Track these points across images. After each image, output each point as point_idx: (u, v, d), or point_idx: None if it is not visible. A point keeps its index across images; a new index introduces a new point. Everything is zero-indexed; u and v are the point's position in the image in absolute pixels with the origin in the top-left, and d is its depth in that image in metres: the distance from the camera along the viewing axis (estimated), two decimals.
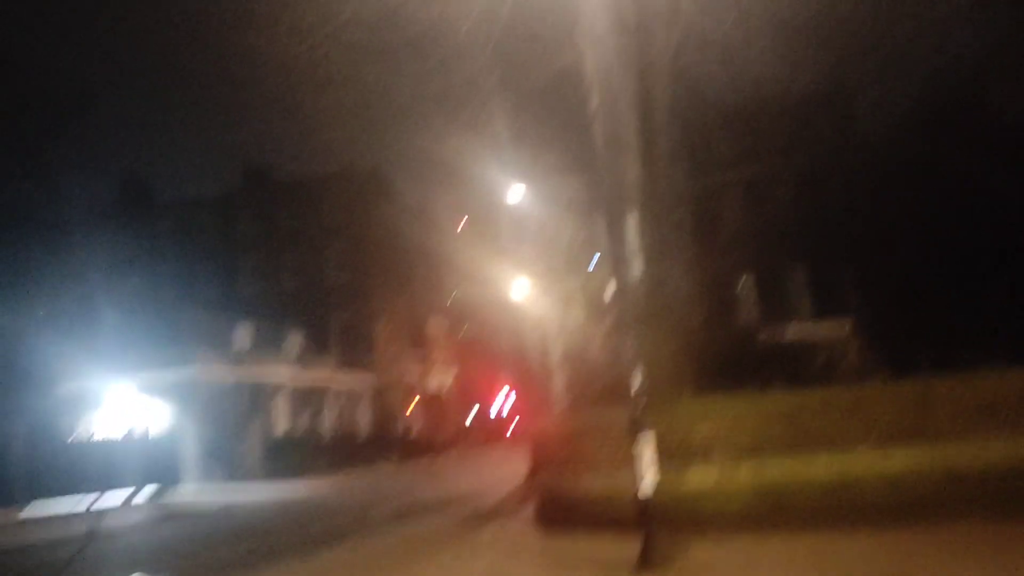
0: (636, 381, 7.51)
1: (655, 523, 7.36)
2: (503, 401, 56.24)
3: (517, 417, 58.70)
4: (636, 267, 7.48)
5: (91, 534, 17.28)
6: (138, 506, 24.60)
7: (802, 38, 14.02)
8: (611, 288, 7.60)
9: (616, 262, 7.54)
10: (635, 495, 8.61)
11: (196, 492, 28.21)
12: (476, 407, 60.16)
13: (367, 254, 47.95)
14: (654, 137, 11.15)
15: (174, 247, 50.56)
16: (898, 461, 8.48)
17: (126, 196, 52.23)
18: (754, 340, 22.98)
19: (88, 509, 19.16)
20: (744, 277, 33.11)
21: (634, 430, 7.49)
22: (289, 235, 49.34)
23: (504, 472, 27.33)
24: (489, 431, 57.19)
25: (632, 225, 7.59)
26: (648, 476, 7.44)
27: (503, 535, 10.31)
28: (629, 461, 9.37)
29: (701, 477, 8.98)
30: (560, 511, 10.11)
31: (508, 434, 54.51)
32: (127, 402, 29.89)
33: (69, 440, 29.07)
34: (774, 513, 8.57)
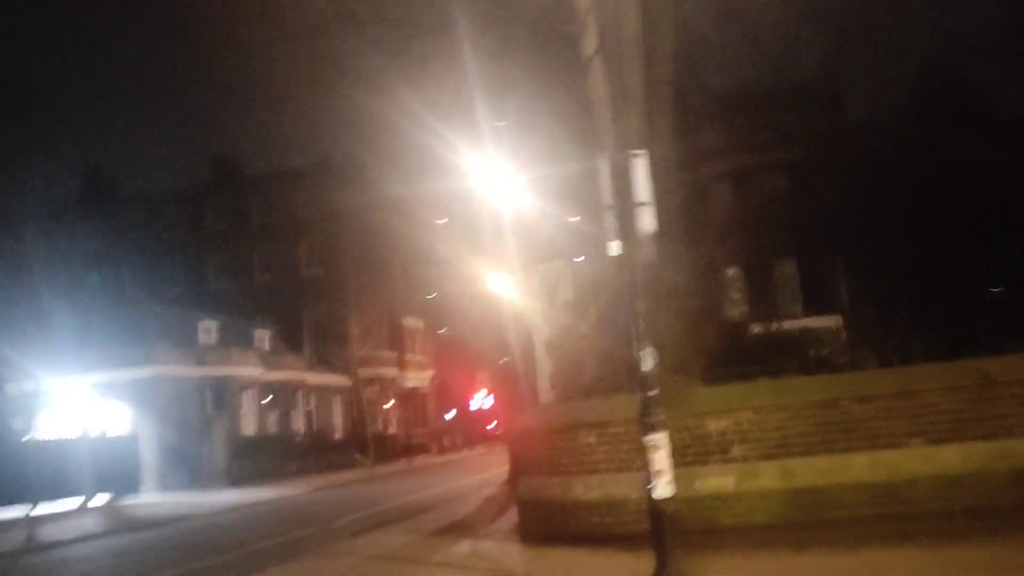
0: (646, 363, 6.00)
1: (671, 537, 5.85)
2: (483, 400, 54.61)
3: (497, 416, 57.19)
4: (644, 223, 5.92)
5: (24, 548, 15.63)
6: (88, 513, 22.81)
7: (794, 22, 12.87)
8: (613, 250, 6.05)
9: (621, 218, 6.01)
10: (644, 503, 7.12)
11: (154, 499, 26.41)
12: (455, 406, 58.51)
13: (341, 248, 46.13)
14: (659, 90, 9.69)
15: (139, 241, 48.55)
16: (955, 458, 7.03)
17: (91, 188, 50.15)
18: (744, 332, 21.77)
19: (27, 517, 17.34)
20: (734, 268, 32.09)
21: (645, 424, 5.97)
22: (260, 229, 47.47)
23: (484, 475, 25.80)
24: (468, 431, 55.60)
25: (639, 173, 6.04)
26: (662, 480, 5.92)
27: (482, 552, 8.74)
28: (630, 462, 7.87)
29: (718, 480, 7.49)
30: (547, 522, 8.59)
31: (488, 434, 52.95)
32: (82, 402, 28.01)
33: (20, 441, 27.15)
34: (807, 524, 7.09)
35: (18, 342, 28.91)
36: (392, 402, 46.62)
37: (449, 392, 58.21)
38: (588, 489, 8.08)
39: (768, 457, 7.42)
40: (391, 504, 18.16)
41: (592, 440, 8.10)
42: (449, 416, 58.01)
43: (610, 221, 6.13)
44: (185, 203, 48.73)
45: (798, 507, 7.20)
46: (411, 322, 51.40)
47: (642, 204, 6.08)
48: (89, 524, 19.72)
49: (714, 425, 7.60)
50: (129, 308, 33.18)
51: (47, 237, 46.94)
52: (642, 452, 7.82)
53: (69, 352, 28.74)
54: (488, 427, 54.32)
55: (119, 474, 27.22)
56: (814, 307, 30.51)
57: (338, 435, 40.21)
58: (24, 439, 26.85)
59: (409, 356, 50.39)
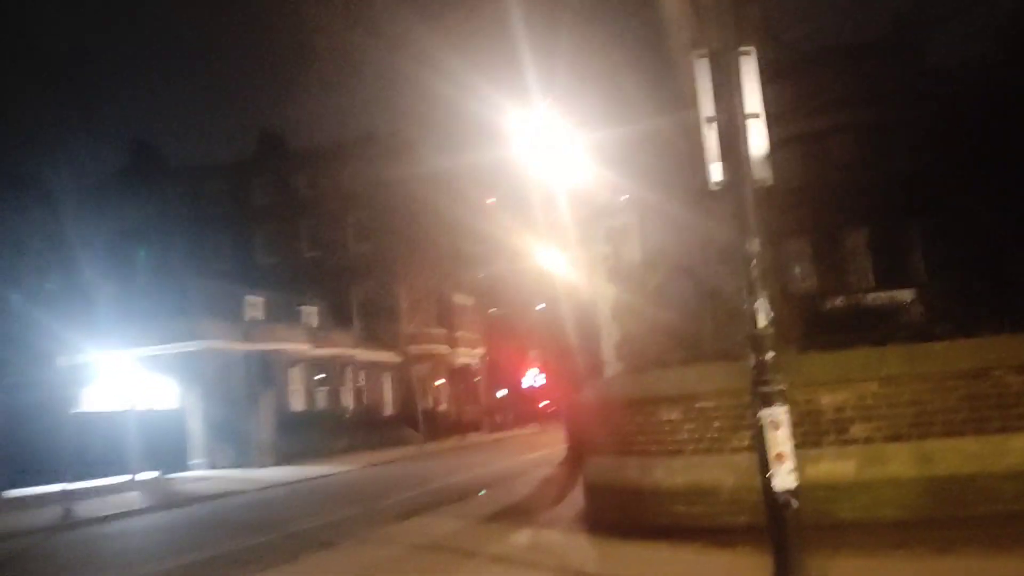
0: (761, 318, 4.70)
1: (795, 537, 4.59)
2: (534, 377, 53.49)
3: (549, 394, 56.09)
4: (755, 138, 4.60)
5: (59, 524, 15.02)
6: (134, 488, 22.34)
7: None
8: (715, 175, 4.75)
9: (725, 135, 4.70)
10: (742, 491, 5.92)
11: (201, 474, 25.93)
12: (506, 384, 57.57)
13: (389, 223, 45.21)
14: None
15: (186, 215, 48.29)
16: None
17: (137, 162, 50.05)
18: (813, 306, 20.21)
19: (68, 492, 16.76)
20: (801, 238, 30.35)
21: (760, 395, 4.69)
22: (307, 203, 46.79)
23: (537, 454, 24.68)
24: (519, 409, 54.62)
25: (750, 76, 4.71)
26: (784, 467, 4.65)
27: (544, 544, 7.57)
28: (723, 442, 6.60)
29: (835, 466, 6.17)
30: (620, 510, 7.38)
31: (539, 412, 51.90)
32: (128, 376, 27.60)
33: (68, 414, 26.89)
34: (950, 520, 5.75)
35: (65, 316, 28.66)
36: (442, 379, 45.78)
37: (500, 370, 57.24)
38: (670, 473, 6.83)
39: (898, 438, 6.07)
40: (441, 483, 17.16)
41: (675, 416, 6.84)
42: (500, 394, 57.10)
43: (710, 138, 4.82)
44: (232, 177, 48.30)
45: (938, 499, 5.85)
46: (461, 299, 50.42)
47: (753, 115, 4.75)
48: (132, 500, 19.16)
49: (829, 399, 6.27)
50: (175, 282, 32.74)
51: (93, 210, 47.09)
52: (737, 431, 6.55)
53: (115, 326, 28.35)
54: (539, 405, 53.24)
55: (167, 449, 26.81)
56: (887, 279, 28.68)
57: (388, 412, 39.52)
58: (72, 412, 26.60)
59: (459, 333, 49.44)
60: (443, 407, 44.20)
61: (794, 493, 4.60)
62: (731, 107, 4.70)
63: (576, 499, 10.31)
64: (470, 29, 15.51)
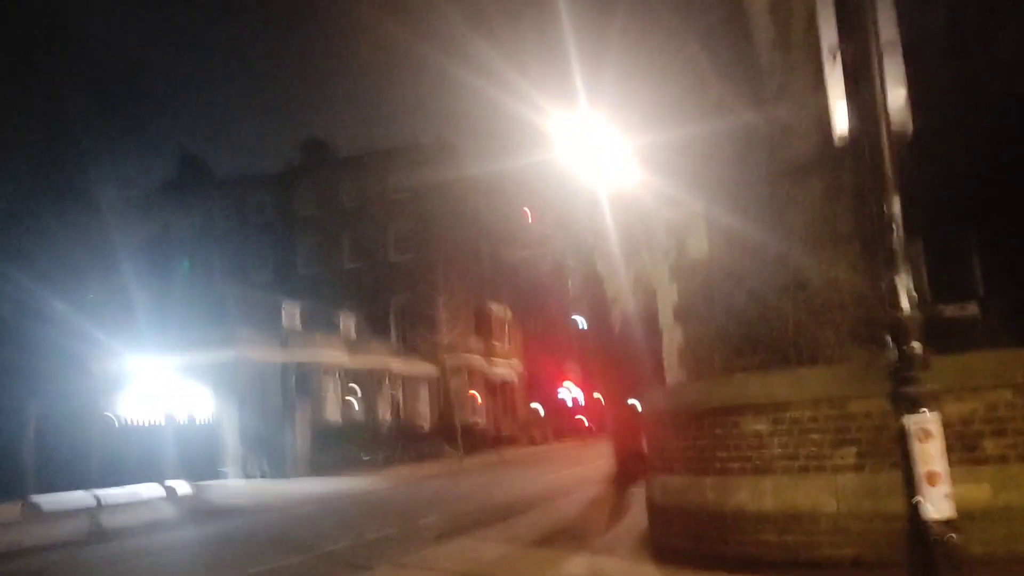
0: (903, 300, 3.72)
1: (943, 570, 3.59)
2: (572, 390, 52.33)
3: (589, 407, 54.87)
4: (892, 74, 3.61)
5: (85, 538, 14.37)
6: (166, 499, 21.77)
7: None
8: (840, 123, 3.78)
9: (860, 68, 3.73)
10: (848, 519, 4.93)
11: (235, 485, 25.31)
12: (543, 397, 56.50)
13: (430, 233, 44.66)
14: None
15: (230, 226, 48.28)
16: None
17: (184, 173, 50.28)
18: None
19: (97, 504, 16.14)
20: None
21: (902, 397, 3.70)
22: (350, 213, 46.43)
23: (581, 469, 23.62)
24: (557, 422, 53.47)
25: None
26: (937, 490, 3.65)
27: (606, 573, 6.58)
28: (823, 459, 5.59)
29: (962, 490, 5.11)
30: (693, 536, 6.39)
31: (578, 425, 50.70)
32: (163, 383, 27.19)
33: (103, 421, 26.53)
34: None
35: (105, 324, 28.40)
36: (482, 390, 44.91)
37: (537, 382, 56.20)
38: (758, 495, 5.82)
39: None
40: (482, 501, 16.22)
41: (763, 428, 5.84)
42: (537, 407, 56.04)
43: (834, 76, 3.86)
44: (275, 187, 48.16)
45: None
46: (498, 309, 49.57)
47: (890, 43, 3.78)
48: (164, 511, 18.54)
49: (953, 409, 5.22)
50: (213, 291, 32.38)
51: (138, 221, 47.30)
52: (840, 446, 5.53)
53: (153, 333, 28.02)
54: (577, 418, 52.05)
55: (201, 459, 26.29)
56: (942, 291, 27.14)
57: (425, 424, 38.70)
58: (107, 417, 26.22)
59: (497, 345, 48.57)
60: (480, 420, 43.27)
61: (950, 525, 3.58)
62: (864, 32, 3.74)
63: (634, 521, 9.32)
64: (517, 34, 14.87)
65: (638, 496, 12.58)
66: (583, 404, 53.65)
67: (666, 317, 9.28)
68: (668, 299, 9.24)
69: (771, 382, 5.96)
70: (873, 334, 7.27)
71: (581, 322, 51.17)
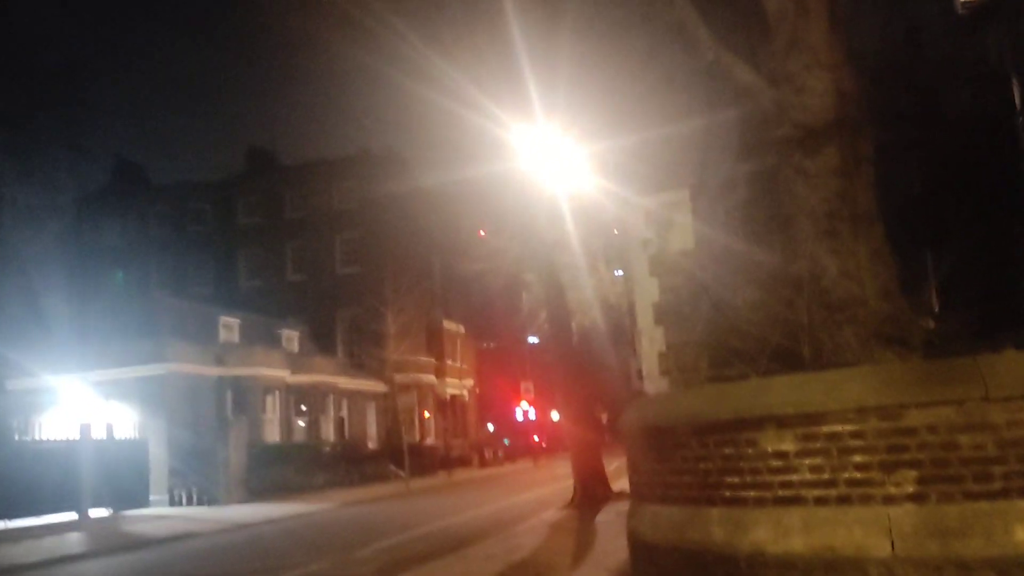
0: None
1: None
2: (531, 408, 50.90)
3: (543, 427, 53.54)
4: None
5: None
6: (80, 527, 19.74)
7: None
8: None
9: None
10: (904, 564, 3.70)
11: (160, 511, 23.28)
12: (497, 417, 55.02)
13: (380, 245, 43.09)
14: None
15: (168, 237, 46.00)
16: None
17: (120, 182, 47.88)
18: None
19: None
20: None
21: None
22: (294, 224, 44.60)
23: (537, 493, 22.23)
24: (511, 443, 51.99)
25: None
26: None
27: None
28: (870, 486, 4.31)
29: None
30: None
31: (532, 447, 49.27)
32: (86, 402, 25.10)
33: (16, 443, 24.31)
34: None
35: (18, 339, 26.26)
36: (430, 411, 43.24)
37: (490, 401, 54.77)
38: (782, 533, 4.52)
39: None
40: (430, 527, 14.71)
41: (788, 447, 4.55)
42: (490, 426, 54.50)
43: None
44: (216, 196, 46.12)
45: None
46: (451, 326, 48.04)
47: None
48: (72, 542, 16.57)
49: None
50: (142, 303, 30.26)
51: (69, 230, 44.73)
52: (894, 469, 4.26)
53: (74, 349, 25.97)
54: (532, 438, 50.63)
55: (125, 483, 24.19)
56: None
57: (371, 445, 36.90)
58: (20, 439, 24.04)
59: (449, 362, 47.01)
60: (430, 440, 41.58)
61: None
62: None
63: (604, 554, 7.98)
64: (468, 43, 14.20)
65: (605, 524, 11.24)
66: (537, 423, 52.29)
67: (644, 318, 8.00)
68: (647, 298, 7.97)
69: (800, 387, 4.67)
70: (903, 333, 6.11)
71: (535, 340, 49.90)
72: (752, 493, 4.70)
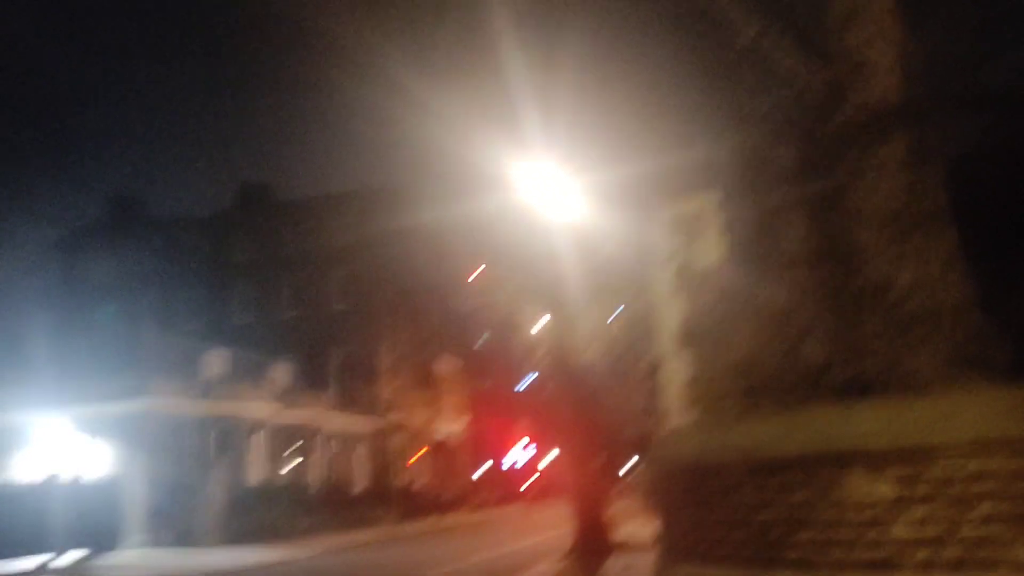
0: None
1: None
2: (520, 454, 49.44)
3: (535, 470, 52.08)
4: None
5: None
6: (48, 573, 18.44)
7: None
8: None
9: None
10: None
11: (135, 557, 21.91)
12: (489, 460, 53.49)
13: (375, 282, 42.06)
14: None
15: (160, 271, 44.91)
16: None
17: (115, 214, 47.03)
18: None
19: None
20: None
21: None
22: (289, 260, 43.56)
23: (532, 540, 20.95)
24: (503, 487, 50.42)
25: None
26: None
27: None
28: (1002, 547, 3.30)
29: None
30: None
31: (526, 492, 47.75)
32: (60, 441, 23.86)
33: None
34: None
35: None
36: (422, 451, 41.84)
37: (483, 444, 53.24)
38: None
39: None
40: None
41: (883, 492, 3.53)
42: (483, 470, 52.94)
43: None
44: (211, 231, 45.18)
45: None
46: (445, 365, 46.85)
47: None
48: None
49: None
50: (126, 337, 29.06)
51: (60, 266, 43.78)
52: None
53: (52, 385, 24.78)
54: (525, 483, 49.12)
55: (103, 525, 22.90)
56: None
57: (360, 487, 35.46)
58: None
59: (442, 402, 45.72)
60: (421, 484, 40.13)
61: None
62: None
63: None
64: (465, 78, 13.70)
65: None
66: (533, 466, 50.84)
67: (666, 342, 7.01)
68: (670, 320, 6.99)
69: (898, 415, 3.68)
70: (986, 355, 5.13)
71: (530, 381, 48.71)
72: (834, 554, 3.68)
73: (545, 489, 51.55)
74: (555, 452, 58.32)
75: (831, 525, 3.69)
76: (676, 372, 6.78)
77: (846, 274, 5.28)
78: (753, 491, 4.09)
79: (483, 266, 44.78)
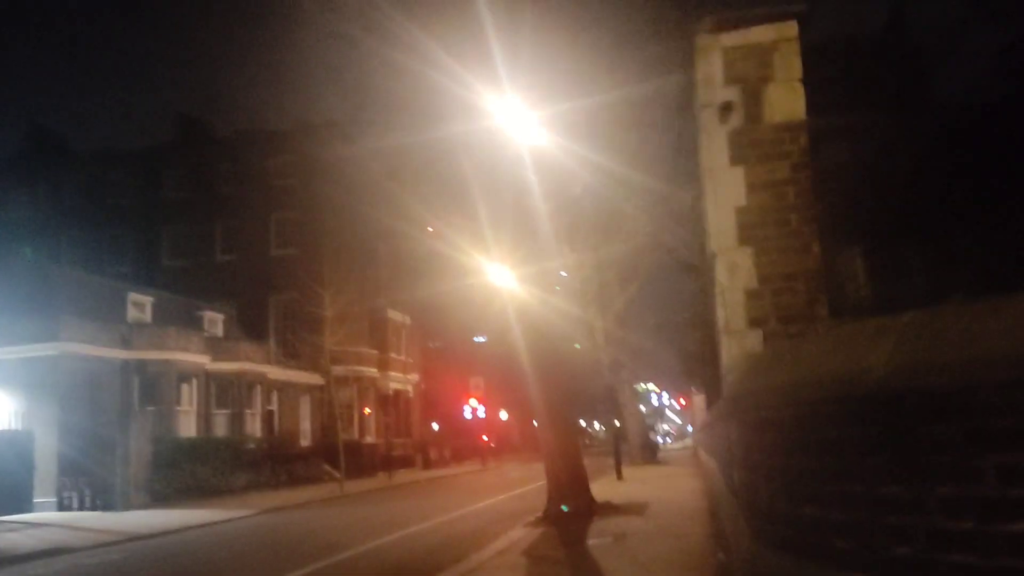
0: None
1: None
2: (481, 407, 47.57)
3: (499, 426, 50.42)
4: None
5: None
6: None
7: None
8: None
9: None
10: None
11: (43, 518, 19.48)
12: (443, 415, 51.63)
13: (321, 225, 39.38)
14: None
15: (84, 210, 41.51)
16: None
17: (33, 146, 43.28)
18: None
19: None
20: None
21: None
22: (226, 198, 40.52)
23: (493, 500, 19.09)
24: (458, 443, 48.71)
25: None
26: None
27: None
28: None
29: None
30: None
31: (482, 447, 46.08)
32: None
33: None
34: None
35: None
36: (371, 406, 39.68)
37: (437, 398, 51.30)
38: None
39: None
40: (361, 549, 11.44)
41: None
42: (436, 427, 51.09)
43: None
44: (140, 166, 41.77)
45: None
46: (396, 316, 44.51)
47: None
48: None
49: None
50: (37, 276, 26.10)
51: None
52: None
53: None
54: (482, 439, 47.42)
55: (6, 484, 20.40)
56: (885, 305, 24.30)
57: (304, 442, 33.26)
58: None
59: (392, 355, 43.45)
60: (370, 439, 38.05)
61: None
62: None
63: None
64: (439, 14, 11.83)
65: (603, 552, 8.14)
66: (486, 423, 49.09)
67: (720, 239, 4.88)
68: (725, 203, 4.86)
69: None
70: None
71: (490, 333, 46.72)
72: None
73: (500, 445, 49.93)
74: (512, 409, 56.63)
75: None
76: (733, 276, 4.69)
77: None
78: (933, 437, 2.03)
79: (438, 209, 42.20)
